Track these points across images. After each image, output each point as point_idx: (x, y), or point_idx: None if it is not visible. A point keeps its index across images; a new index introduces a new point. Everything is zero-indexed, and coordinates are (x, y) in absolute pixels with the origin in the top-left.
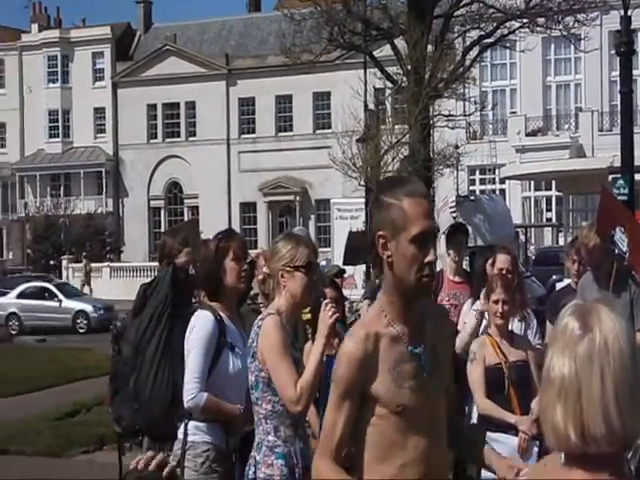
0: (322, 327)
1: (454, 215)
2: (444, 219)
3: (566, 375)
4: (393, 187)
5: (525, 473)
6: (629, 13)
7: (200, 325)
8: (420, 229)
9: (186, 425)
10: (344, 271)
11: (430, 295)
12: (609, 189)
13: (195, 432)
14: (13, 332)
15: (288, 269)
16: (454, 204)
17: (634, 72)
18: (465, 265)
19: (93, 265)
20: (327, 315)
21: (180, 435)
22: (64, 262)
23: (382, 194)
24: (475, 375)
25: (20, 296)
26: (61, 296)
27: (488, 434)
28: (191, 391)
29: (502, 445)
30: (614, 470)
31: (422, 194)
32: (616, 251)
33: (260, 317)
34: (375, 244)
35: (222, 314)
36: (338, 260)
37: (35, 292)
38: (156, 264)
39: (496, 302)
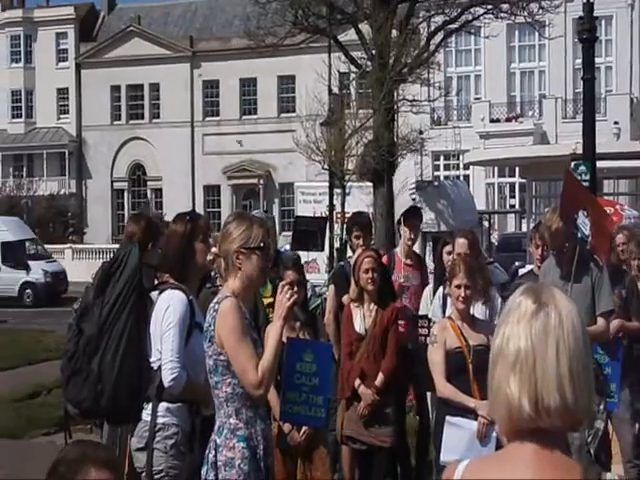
0: (279, 309)
1: (413, 197)
2: (403, 202)
3: (522, 348)
4: None
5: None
6: (591, 0)
7: (175, 305)
8: None
9: (155, 406)
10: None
11: None
12: (572, 173)
13: (165, 414)
14: None
15: (243, 251)
16: (413, 187)
17: (597, 59)
18: (429, 250)
19: (55, 247)
20: (284, 297)
21: (146, 417)
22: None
23: None
24: (436, 358)
25: None
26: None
27: (447, 418)
28: (173, 370)
29: (461, 429)
30: (564, 447)
31: None
32: (579, 235)
33: (216, 300)
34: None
35: (191, 294)
36: None
37: None
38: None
39: (458, 287)
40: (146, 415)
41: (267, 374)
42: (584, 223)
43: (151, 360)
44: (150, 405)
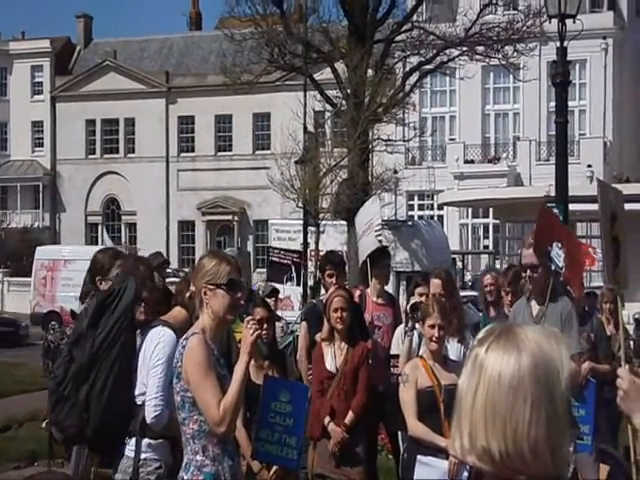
0: (244, 345)
1: (379, 239)
2: (368, 242)
3: (459, 389)
4: None
5: None
6: (565, 44)
7: (165, 343)
8: None
9: (139, 442)
10: (278, 291)
11: None
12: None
13: (147, 450)
14: None
15: (210, 286)
16: (379, 228)
17: (571, 103)
18: (402, 290)
19: (29, 279)
20: (249, 332)
21: (129, 452)
22: None
23: None
24: (407, 397)
25: None
26: None
27: (419, 457)
28: (156, 408)
29: (432, 468)
30: None
31: None
32: (552, 267)
33: (185, 336)
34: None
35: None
36: None
37: None
38: None
39: (432, 327)
40: (129, 451)
41: (229, 411)
42: (558, 255)
43: (136, 393)
44: (133, 440)
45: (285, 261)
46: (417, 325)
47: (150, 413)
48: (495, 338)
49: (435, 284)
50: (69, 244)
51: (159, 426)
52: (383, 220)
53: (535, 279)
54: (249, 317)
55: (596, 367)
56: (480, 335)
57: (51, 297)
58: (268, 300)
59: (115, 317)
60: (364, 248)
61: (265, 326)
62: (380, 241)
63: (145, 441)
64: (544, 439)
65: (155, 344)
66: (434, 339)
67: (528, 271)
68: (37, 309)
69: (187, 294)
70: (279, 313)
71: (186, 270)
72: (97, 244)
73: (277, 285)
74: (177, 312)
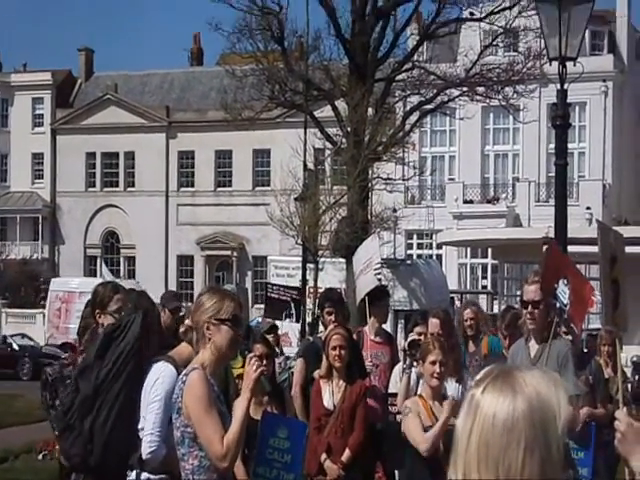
0: (246, 380)
1: (378, 277)
2: (367, 280)
3: (456, 427)
4: None
5: None
6: (565, 87)
7: (164, 379)
8: None
9: (138, 476)
10: (277, 327)
11: None
12: (556, 244)
13: None
14: None
15: (214, 322)
16: (378, 267)
17: (570, 145)
18: (400, 328)
19: (27, 311)
20: (252, 369)
21: None
22: None
23: None
24: (413, 423)
25: None
26: None
27: None
28: (152, 443)
29: None
30: None
31: None
32: (557, 304)
33: (184, 372)
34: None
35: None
36: None
37: None
38: None
39: (433, 363)
40: None
41: (232, 446)
42: (563, 292)
43: (139, 427)
44: (134, 473)
45: (284, 297)
46: (415, 364)
47: (146, 449)
48: (492, 379)
49: (433, 323)
50: (68, 276)
51: (155, 462)
52: (382, 259)
53: (536, 315)
54: (251, 354)
55: (594, 412)
56: (478, 376)
57: (65, 329)
58: (267, 336)
59: (120, 349)
60: (362, 286)
61: (264, 362)
62: (379, 280)
63: (144, 475)
64: None
65: (155, 379)
66: (435, 375)
67: (529, 307)
68: (51, 340)
69: (182, 329)
70: (278, 349)
71: (187, 305)
72: (96, 277)
73: (287, 325)
74: (183, 348)
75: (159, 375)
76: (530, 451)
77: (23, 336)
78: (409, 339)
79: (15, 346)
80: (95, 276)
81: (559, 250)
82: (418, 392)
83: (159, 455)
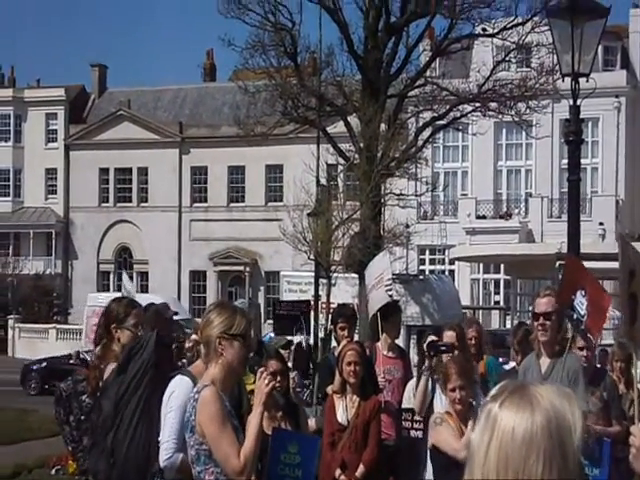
0: (258, 395)
1: (390, 293)
2: (379, 296)
3: (472, 442)
4: None
5: None
6: (578, 102)
7: (180, 390)
8: None
9: None
10: (291, 343)
11: None
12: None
13: None
14: None
15: (226, 336)
16: (390, 282)
17: (583, 160)
18: (413, 344)
19: (40, 326)
20: (263, 384)
21: None
22: (10, 321)
23: None
24: (446, 433)
25: None
26: None
27: None
28: (168, 451)
29: None
30: None
31: None
32: (574, 316)
33: (196, 389)
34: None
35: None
36: None
37: None
38: None
39: (453, 390)
40: None
41: (249, 460)
42: (581, 303)
43: (159, 439)
44: None
45: (293, 313)
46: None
47: (162, 457)
48: (509, 394)
49: (449, 336)
50: (81, 292)
51: (172, 470)
52: (394, 274)
53: (547, 327)
54: (262, 369)
55: (607, 431)
56: (494, 391)
57: None
58: (282, 352)
59: (137, 366)
60: (374, 302)
61: (279, 378)
62: (391, 295)
63: None
64: None
65: (171, 392)
66: (457, 401)
67: (540, 319)
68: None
69: (189, 344)
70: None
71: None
72: (109, 291)
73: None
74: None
75: (175, 388)
76: (549, 464)
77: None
78: (428, 340)
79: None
80: (108, 291)
81: (577, 261)
82: (437, 403)
83: (175, 462)
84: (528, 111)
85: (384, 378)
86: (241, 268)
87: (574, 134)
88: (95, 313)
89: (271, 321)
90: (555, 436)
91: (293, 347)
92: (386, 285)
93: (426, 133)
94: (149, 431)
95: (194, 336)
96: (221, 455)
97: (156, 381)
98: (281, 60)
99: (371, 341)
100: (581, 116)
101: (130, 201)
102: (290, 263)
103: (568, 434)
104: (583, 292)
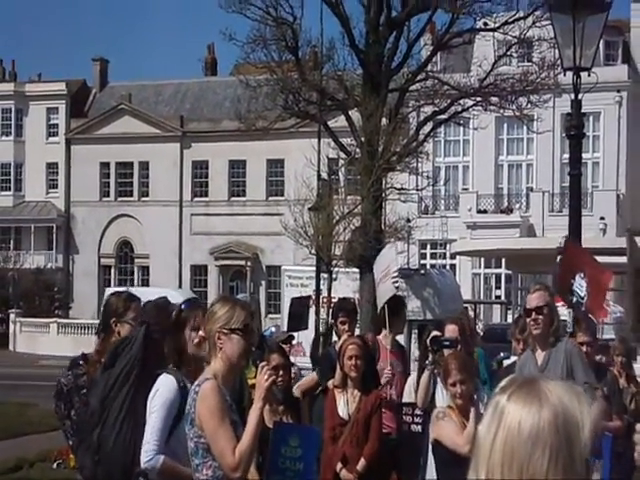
0: (258, 390)
1: (396, 286)
2: (386, 289)
3: (478, 434)
4: None
5: None
6: (579, 97)
7: (163, 390)
8: None
9: None
10: (293, 337)
11: None
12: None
13: None
14: None
15: (225, 331)
16: (396, 275)
17: (584, 155)
18: (414, 338)
19: (41, 320)
20: (263, 378)
21: None
22: (12, 316)
23: None
24: (449, 427)
25: None
26: None
27: None
28: (149, 452)
29: None
30: None
31: None
32: (574, 300)
33: (197, 382)
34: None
35: (186, 380)
36: None
37: None
38: None
39: (453, 385)
40: None
41: (244, 457)
42: (580, 286)
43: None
44: None
45: (300, 309)
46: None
47: (143, 458)
48: (517, 387)
49: (451, 329)
50: (82, 286)
51: (153, 471)
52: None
53: (540, 321)
54: (263, 363)
55: (608, 426)
56: (502, 384)
57: None
58: (284, 346)
59: (123, 362)
60: (382, 295)
61: (281, 373)
62: (397, 287)
63: None
64: None
65: (155, 390)
66: (457, 395)
67: (533, 314)
68: None
69: (196, 340)
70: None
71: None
72: (110, 286)
73: (302, 335)
74: None
75: (159, 386)
76: (555, 460)
77: None
78: (431, 335)
79: None
80: (109, 285)
81: (575, 246)
82: (438, 397)
83: (156, 464)
84: (529, 105)
85: (390, 372)
86: (242, 262)
87: (575, 128)
88: None
89: (273, 316)
90: (562, 432)
91: (311, 340)
92: (392, 277)
93: (427, 127)
94: (135, 429)
95: (201, 332)
96: (217, 450)
97: (142, 377)
98: (282, 54)
99: (373, 334)
100: (582, 110)
101: (131, 195)
102: (291, 257)
103: (576, 431)
104: (582, 274)
